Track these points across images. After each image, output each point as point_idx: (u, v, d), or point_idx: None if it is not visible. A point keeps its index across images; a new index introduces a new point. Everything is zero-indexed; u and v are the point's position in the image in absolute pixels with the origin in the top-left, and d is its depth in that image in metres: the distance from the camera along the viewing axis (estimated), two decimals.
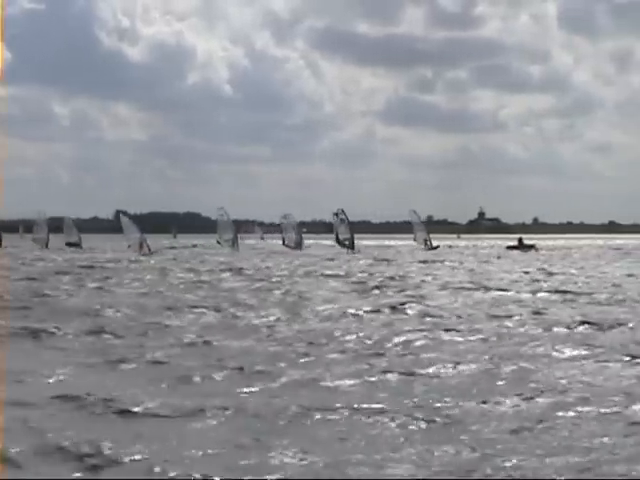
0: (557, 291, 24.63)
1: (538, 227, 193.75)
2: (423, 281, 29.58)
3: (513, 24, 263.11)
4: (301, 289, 25.21)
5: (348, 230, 66.45)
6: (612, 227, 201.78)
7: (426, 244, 71.68)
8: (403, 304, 19.90)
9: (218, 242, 73.74)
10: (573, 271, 37.32)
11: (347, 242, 65.32)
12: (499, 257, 56.39)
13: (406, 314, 18.22)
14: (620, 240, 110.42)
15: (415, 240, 73.64)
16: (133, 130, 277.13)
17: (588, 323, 15.98)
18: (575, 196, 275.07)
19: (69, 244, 77.38)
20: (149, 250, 58.95)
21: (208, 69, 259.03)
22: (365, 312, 18.29)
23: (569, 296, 22.95)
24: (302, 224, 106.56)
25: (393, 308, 19.13)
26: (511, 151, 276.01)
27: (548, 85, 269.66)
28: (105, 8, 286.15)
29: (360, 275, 32.86)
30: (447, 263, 45.60)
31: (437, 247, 69.46)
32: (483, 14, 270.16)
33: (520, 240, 76.99)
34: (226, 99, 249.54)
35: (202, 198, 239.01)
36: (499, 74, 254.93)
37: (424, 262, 46.35)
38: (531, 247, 74.43)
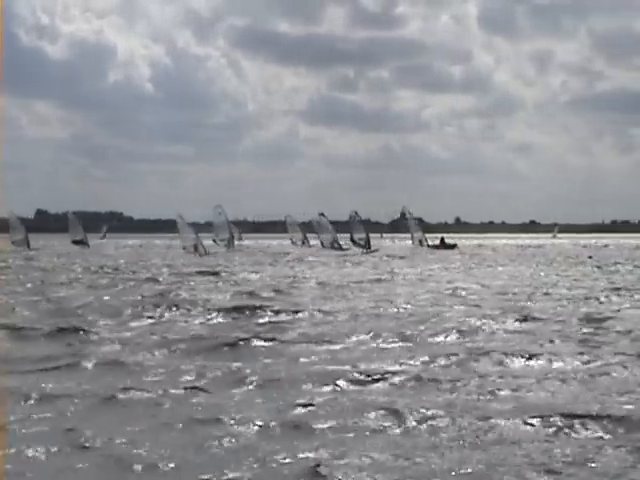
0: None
1: (460, 227, 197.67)
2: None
3: (434, 24, 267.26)
4: None
5: (363, 230, 68.73)
6: (532, 227, 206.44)
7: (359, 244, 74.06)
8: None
9: (214, 241, 74.18)
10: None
11: (362, 242, 67.51)
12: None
13: None
14: (541, 240, 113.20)
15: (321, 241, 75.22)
16: (54, 129, 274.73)
17: None
18: (496, 196, 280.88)
19: (75, 242, 76.53)
20: (205, 251, 57.94)
21: (129, 67, 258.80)
22: None
23: None
24: (237, 224, 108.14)
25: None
26: (433, 151, 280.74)
27: (469, 85, 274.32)
28: (24, 5, 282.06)
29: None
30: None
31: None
32: (404, 14, 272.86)
33: (442, 240, 79.27)
34: (148, 98, 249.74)
35: (125, 197, 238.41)
36: (421, 74, 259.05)
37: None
38: (453, 246, 76.85)
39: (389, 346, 13.98)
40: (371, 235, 70.35)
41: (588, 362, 12.26)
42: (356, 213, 70.29)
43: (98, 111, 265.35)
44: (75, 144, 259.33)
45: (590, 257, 60.43)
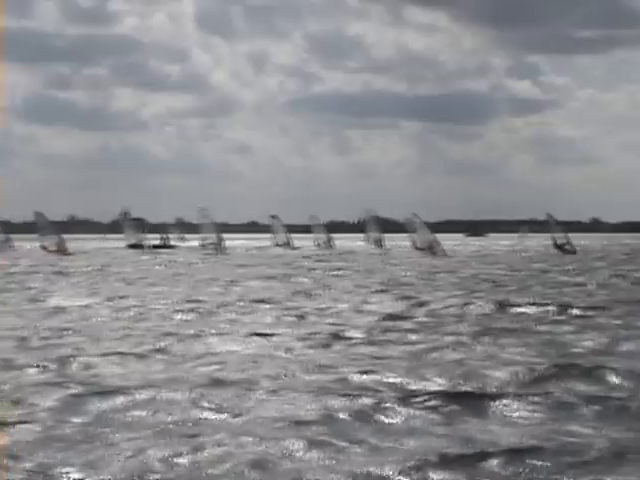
0: None
1: (186, 227, 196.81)
2: None
3: (149, 22, 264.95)
4: None
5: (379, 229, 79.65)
6: (255, 227, 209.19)
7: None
8: None
9: (202, 245, 70.26)
10: None
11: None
12: None
13: None
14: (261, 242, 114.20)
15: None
16: None
17: None
18: (217, 196, 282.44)
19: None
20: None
21: None
22: None
23: None
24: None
25: None
26: (153, 150, 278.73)
27: (187, 84, 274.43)
28: None
29: None
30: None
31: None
32: (119, 11, 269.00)
33: (163, 239, 79.11)
34: None
35: None
36: (138, 72, 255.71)
37: None
38: (164, 246, 77.79)
39: None
40: (91, 236, 68.53)
41: None
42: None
43: None
44: None
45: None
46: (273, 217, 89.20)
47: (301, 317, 20.77)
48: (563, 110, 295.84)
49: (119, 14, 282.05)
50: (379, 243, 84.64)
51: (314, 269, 45.29)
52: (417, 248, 75.32)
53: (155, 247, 77.57)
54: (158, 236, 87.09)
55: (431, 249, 68.04)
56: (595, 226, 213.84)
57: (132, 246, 77.51)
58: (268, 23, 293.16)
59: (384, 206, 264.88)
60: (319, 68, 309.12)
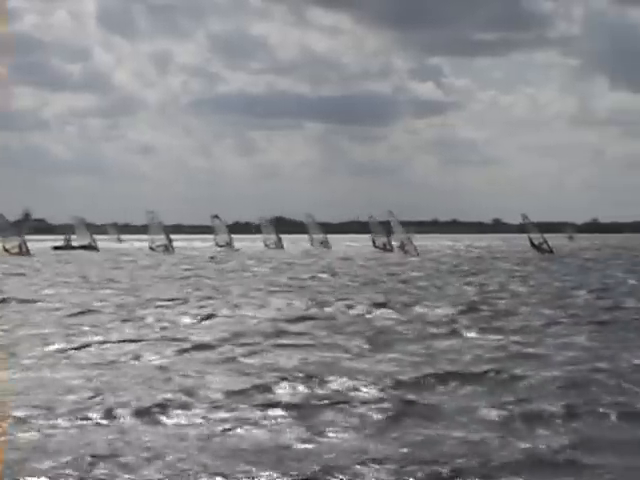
0: None
1: (90, 229, 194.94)
2: None
3: (50, 20, 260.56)
4: None
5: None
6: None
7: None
8: None
9: (151, 248, 68.43)
10: None
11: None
12: None
13: None
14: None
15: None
16: None
17: None
18: (121, 197, 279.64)
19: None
20: None
21: None
22: None
23: None
24: None
25: None
26: (54, 150, 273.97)
27: (89, 84, 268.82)
28: None
29: None
30: None
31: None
32: (18, 8, 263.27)
33: (67, 240, 78.43)
34: None
35: None
36: (38, 71, 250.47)
37: None
38: (87, 247, 76.94)
39: None
40: None
41: None
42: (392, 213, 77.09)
43: None
44: None
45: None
46: (215, 217, 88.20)
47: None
48: (465, 112, 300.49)
49: (18, 12, 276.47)
50: (326, 244, 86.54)
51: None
52: (377, 247, 77.26)
53: (80, 248, 77.02)
54: (62, 237, 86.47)
55: (403, 247, 68.94)
56: (497, 227, 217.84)
57: (57, 247, 77.28)
58: (171, 22, 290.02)
59: (288, 207, 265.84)
60: (222, 68, 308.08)
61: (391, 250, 75.66)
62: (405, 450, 8.87)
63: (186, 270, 45.22)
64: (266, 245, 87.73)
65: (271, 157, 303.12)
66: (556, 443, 9.20)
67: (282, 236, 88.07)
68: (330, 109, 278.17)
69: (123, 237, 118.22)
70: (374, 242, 79.86)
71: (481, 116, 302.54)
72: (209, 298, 26.64)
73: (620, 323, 20.11)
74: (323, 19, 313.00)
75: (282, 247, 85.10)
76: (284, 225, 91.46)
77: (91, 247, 76.48)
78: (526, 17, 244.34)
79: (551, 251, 71.74)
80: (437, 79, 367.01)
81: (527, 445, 9.06)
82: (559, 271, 44.45)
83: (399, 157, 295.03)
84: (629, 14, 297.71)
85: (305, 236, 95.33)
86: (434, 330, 18.61)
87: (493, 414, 10.39)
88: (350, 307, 23.85)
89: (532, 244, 75.32)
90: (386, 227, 79.26)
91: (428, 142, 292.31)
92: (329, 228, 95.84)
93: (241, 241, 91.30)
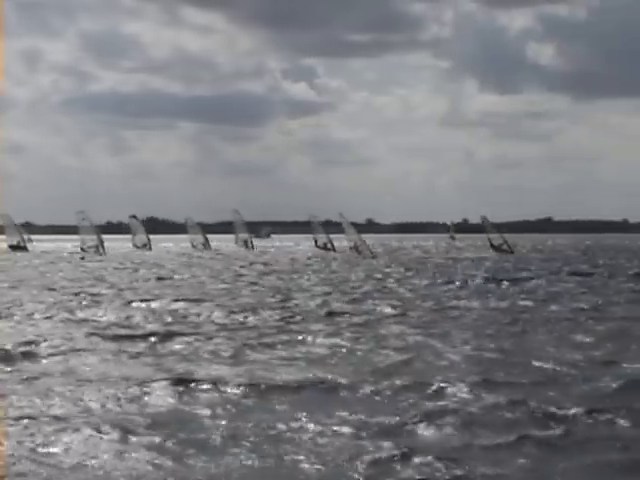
0: None
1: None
2: None
3: None
4: None
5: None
6: (30, 228, 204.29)
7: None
8: None
9: (82, 249, 65.57)
10: None
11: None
12: None
13: None
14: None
15: None
16: None
17: None
18: None
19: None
20: None
21: None
22: None
23: None
24: None
25: None
26: None
27: None
28: None
29: None
30: None
31: None
32: None
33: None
34: None
35: None
36: None
37: None
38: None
39: None
40: None
41: None
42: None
43: None
44: None
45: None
46: (132, 217, 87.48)
47: None
48: (338, 112, 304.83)
49: None
50: (248, 244, 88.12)
51: None
52: (318, 246, 78.16)
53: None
54: None
55: (357, 248, 69.00)
56: (370, 227, 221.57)
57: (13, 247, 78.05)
58: (41, 20, 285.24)
59: (161, 207, 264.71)
60: (94, 67, 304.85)
61: (333, 250, 75.51)
62: None
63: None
64: (193, 246, 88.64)
65: (144, 157, 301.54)
66: None
67: (153, 237, 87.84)
68: (203, 109, 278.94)
69: None
70: (316, 242, 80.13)
71: (354, 117, 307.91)
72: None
73: None
74: (196, 18, 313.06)
75: (210, 248, 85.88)
76: (157, 225, 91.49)
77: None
78: (399, 19, 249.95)
79: (511, 251, 71.34)
80: (311, 80, 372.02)
81: None
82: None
83: (273, 157, 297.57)
84: (498, 18, 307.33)
85: (183, 236, 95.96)
86: None
87: None
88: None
89: (492, 245, 74.95)
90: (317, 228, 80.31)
91: (302, 142, 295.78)
92: (205, 228, 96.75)
93: (112, 241, 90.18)
